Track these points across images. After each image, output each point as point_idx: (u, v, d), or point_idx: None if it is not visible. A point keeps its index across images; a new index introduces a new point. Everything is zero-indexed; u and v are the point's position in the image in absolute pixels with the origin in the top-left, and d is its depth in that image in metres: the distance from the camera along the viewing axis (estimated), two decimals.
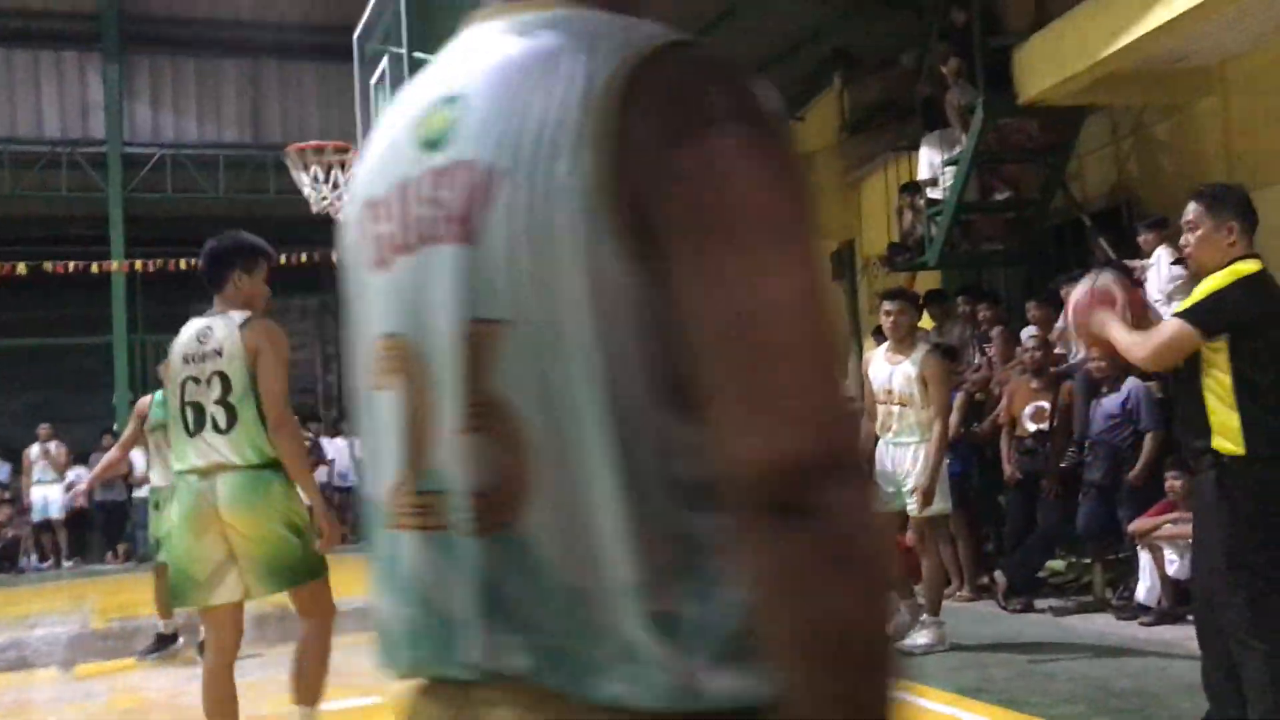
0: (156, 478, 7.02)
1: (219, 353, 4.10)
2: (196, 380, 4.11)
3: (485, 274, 0.92)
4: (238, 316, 4.19)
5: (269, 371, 4.08)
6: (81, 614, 10.30)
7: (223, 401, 4.07)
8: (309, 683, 4.27)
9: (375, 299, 1.02)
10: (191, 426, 4.10)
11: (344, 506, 16.55)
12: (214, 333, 4.16)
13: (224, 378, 4.07)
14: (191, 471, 4.10)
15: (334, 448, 16.55)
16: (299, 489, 4.22)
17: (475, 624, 0.95)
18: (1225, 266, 3.70)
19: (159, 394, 7.18)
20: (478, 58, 0.99)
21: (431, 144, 0.98)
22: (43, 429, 15.29)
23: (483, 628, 0.95)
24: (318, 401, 20.99)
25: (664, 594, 0.88)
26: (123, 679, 6.98)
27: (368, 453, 1.06)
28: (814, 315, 0.86)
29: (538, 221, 0.89)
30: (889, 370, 6.35)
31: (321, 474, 16.29)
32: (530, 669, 0.92)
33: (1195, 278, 3.90)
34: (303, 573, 4.21)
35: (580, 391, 0.89)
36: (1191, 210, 3.80)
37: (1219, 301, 3.63)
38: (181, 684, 6.63)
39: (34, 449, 15.18)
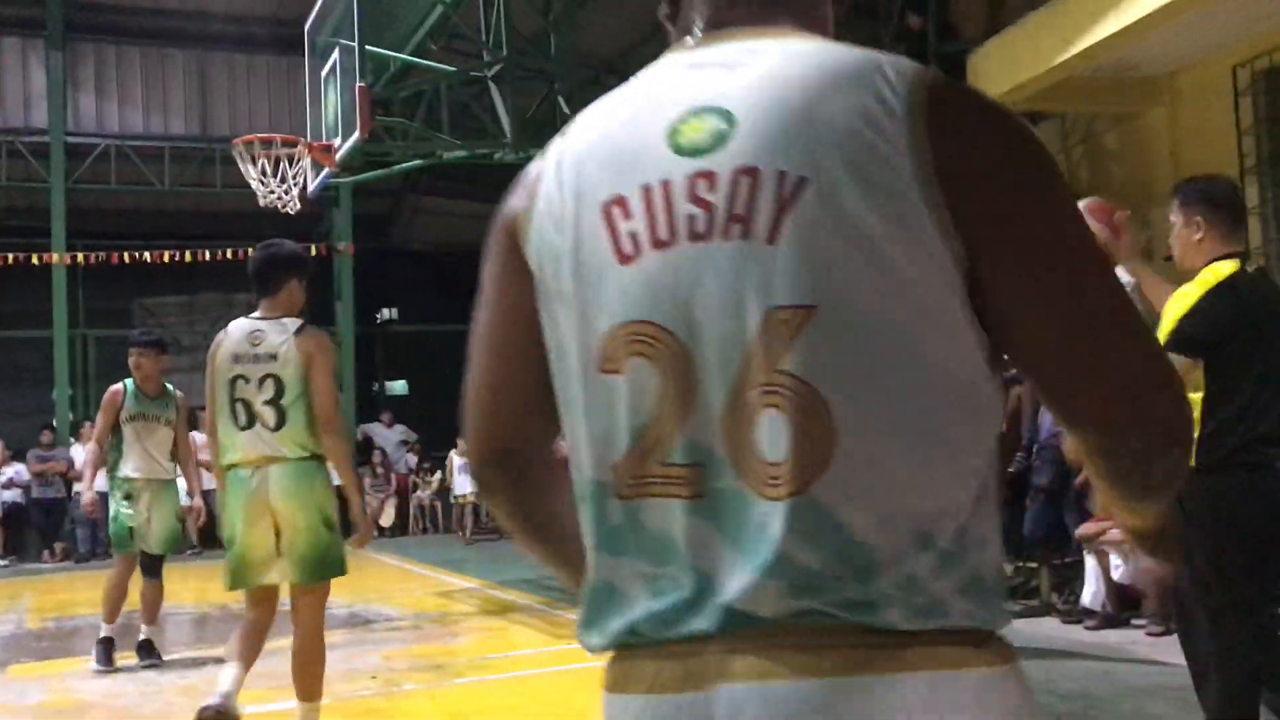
0: (129, 469, 6.84)
1: (273, 357, 4.35)
2: (246, 379, 4.38)
3: (783, 266, 1.04)
4: (291, 324, 4.43)
5: (322, 377, 4.37)
6: (17, 613, 10.08)
7: (274, 403, 4.35)
8: (312, 679, 4.49)
9: (616, 290, 1.11)
10: (242, 421, 4.38)
11: None
12: (267, 336, 4.39)
13: (278, 381, 4.35)
14: (243, 464, 4.37)
15: None
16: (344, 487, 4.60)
17: (744, 576, 1.04)
18: (1201, 267, 3.49)
19: (129, 382, 7.02)
20: (741, 74, 1.11)
21: (695, 150, 1.09)
22: None
23: (754, 580, 1.03)
24: None
25: (947, 541, 1.04)
26: (58, 680, 6.82)
27: (589, 431, 1.14)
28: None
29: (851, 218, 1.03)
30: None
31: None
32: (801, 610, 1.03)
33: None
34: (329, 568, 4.46)
35: (891, 364, 1.03)
36: (1172, 208, 3.64)
37: (1191, 322, 3.39)
38: (119, 685, 6.50)
39: None
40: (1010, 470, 7.64)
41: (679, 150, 1.10)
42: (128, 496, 6.84)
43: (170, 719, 5.61)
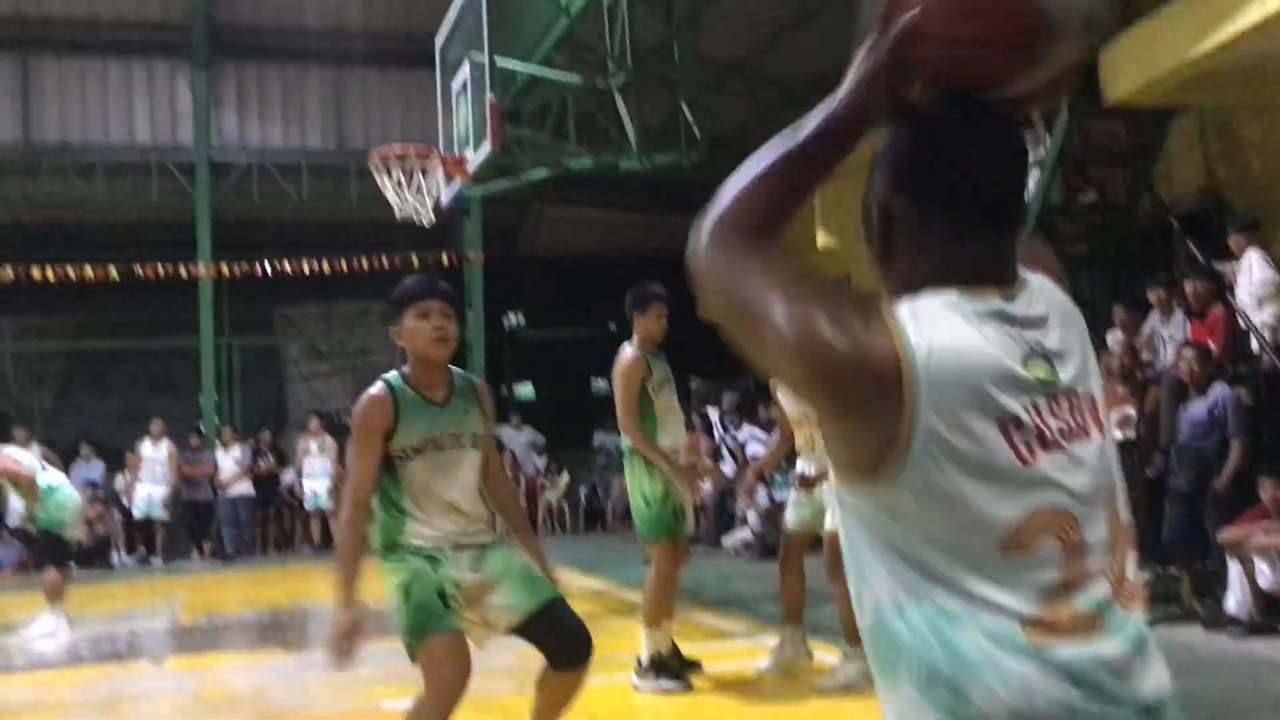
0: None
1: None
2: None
3: (1109, 454, 1.50)
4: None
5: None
6: (170, 609, 10.57)
7: None
8: (649, 609, 6.00)
9: (1012, 487, 1.40)
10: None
11: None
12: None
13: None
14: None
15: None
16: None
17: (1153, 690, 1.41)
18: None
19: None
20: (1041, 325, 1.47)
21: (1045, 382, 1.43)
22: (155, 425, 15.62)
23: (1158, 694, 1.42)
24: None
25: None
26: (210, 674, 7.15)
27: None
28: None
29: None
30: None
31: None
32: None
33: None
34: (651, 533, 5.97)
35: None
36: None
37: None
38: (270, 679, 6.78)
39: (145, 445, 15.52)
40: (1148, 474, 7.46)
41: (1036, 379, 1.43)
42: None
43: (312, 711, 5.85)
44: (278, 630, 8.98)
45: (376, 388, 3.76)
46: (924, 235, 1.45)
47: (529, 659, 5.93)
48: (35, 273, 16.14)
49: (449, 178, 9.89)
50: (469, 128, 9.40)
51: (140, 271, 16.48)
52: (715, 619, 8.26)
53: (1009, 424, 1.38)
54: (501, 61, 9.23)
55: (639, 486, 5.97)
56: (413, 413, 3.71)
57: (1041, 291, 1.50)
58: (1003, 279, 1.46)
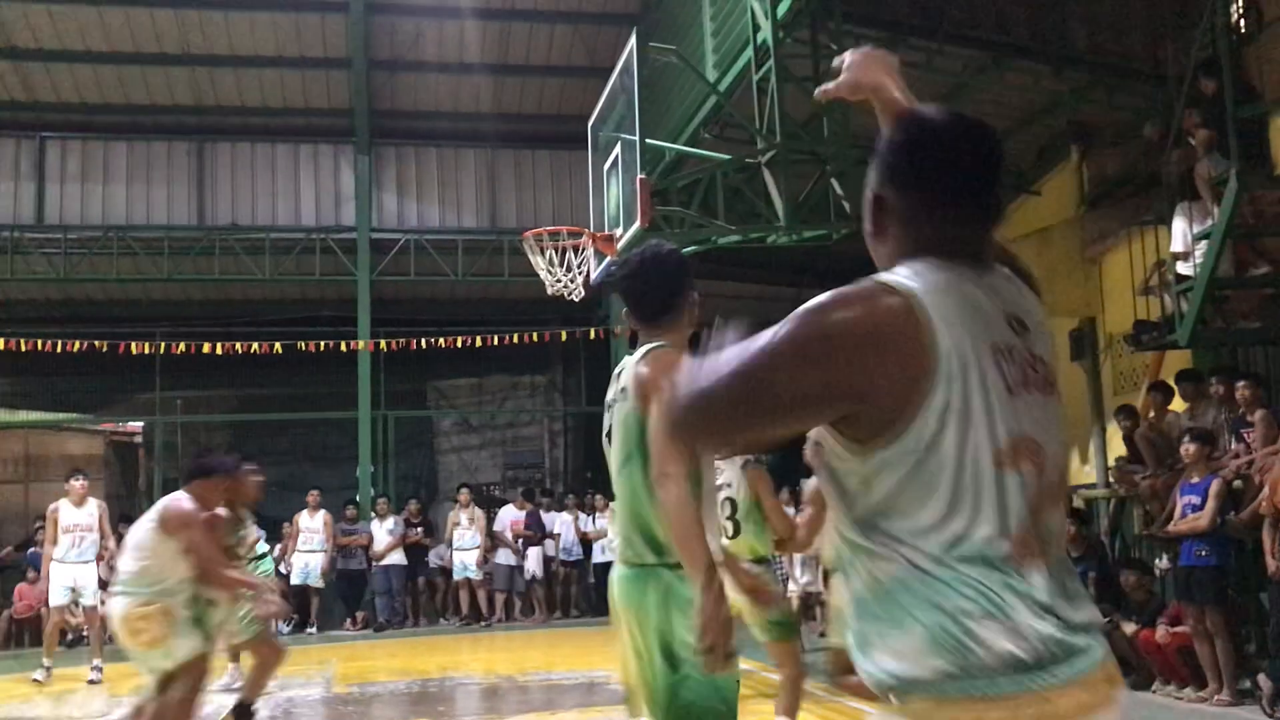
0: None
1: None
2: None
3: (1057, 417, 1.73)
4: None
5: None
6: (325, 678, 10.77)
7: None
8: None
9: (1008, 411, 1.62)
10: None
11: (567, 580, 16.83)
12: None
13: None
14: None
15: (560, 521, 16.85)
16: None
17: (1088, 624, 1.64)
18: None
19: None
20: (1013, 297, 1.75)
21: (1019, 334, 1.69)
22: (312, 496, 16.08)
23: (1089, 626, 1.64)
24: (544, 475, 21.51)
25: None
26: None
27: (985, 509, 1.60)
28: None
29: None
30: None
31: (549, 547, 16.61)
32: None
33: None
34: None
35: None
36: None
37: None
38: None
39: (303, 515, 15.99)
40: None
41: (1016, 333, 1.70)
42: None
43: None
44: (427, 701, 9.06)
45: None
46: (909, 219, 1.73)
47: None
48: (205, 347, 16.88)
49: (599, 255, 10.03)
50: (619, 205, 9.54)
51: (303, 345, 17.10)
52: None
53: (1001, 354, 1.64)
54: (652, 141, 9.36)
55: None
56: None
57: (1011, 280, 1.80)
58: (977, 260, 1.73)
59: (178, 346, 17.07)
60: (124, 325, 17.45)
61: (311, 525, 15.90)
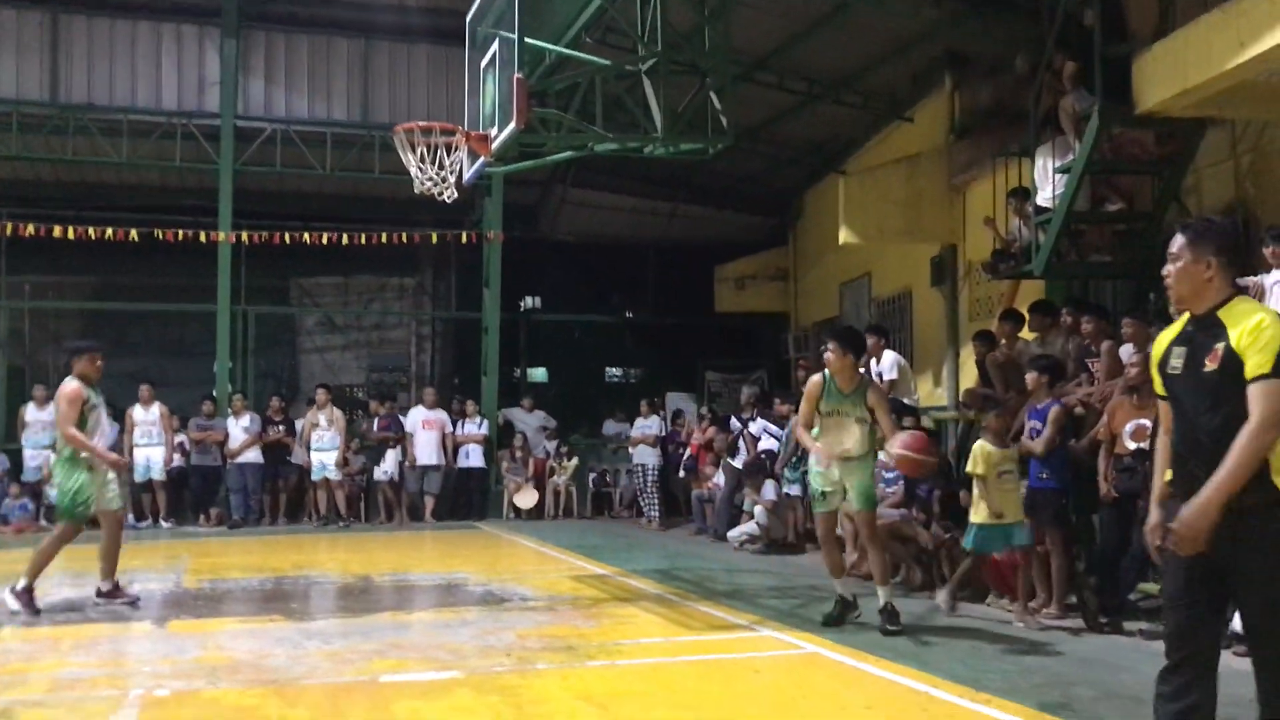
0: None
1: None
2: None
3: None
4: None
5: None
6: (176, 573, 10.60)
7: None
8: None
9: None
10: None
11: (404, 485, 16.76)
12: None
13: None
14: None
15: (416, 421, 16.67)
16: None
17: None
18: (1209, 301, 3.66)
19: (827, 373, 7.57)
20: None
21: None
22: (144, 390, 15.62)
23: None
24: (410, 380, 21.33)
25: None
26: (212, 638, 7.16)
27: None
28: None
29: None
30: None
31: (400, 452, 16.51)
32: None
33: (1175, 309, 3.83)
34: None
35: None
36: (1175, 242, 3.78)
37: None
38: (269, 645, 6.79)
39: (136, 410, 15.54)
40: None
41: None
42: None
43: (311, 680, 5.85)
44: (281, 599, 8.99)
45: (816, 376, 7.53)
46: None
47: (527, 639, 5.93)
48: (56, 230, 16.16)
49: (472, 155, 9.85)
50: (495, 105, 9.36)
51: (160, 234, 16.49)
52: (720, 610, 8.24)
53: None
54: (531, 40, 9.18)
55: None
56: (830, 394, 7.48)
57: None
58: None
59: (26, 228, 16.31)
60: None
61: (147, 418, 15.46)
